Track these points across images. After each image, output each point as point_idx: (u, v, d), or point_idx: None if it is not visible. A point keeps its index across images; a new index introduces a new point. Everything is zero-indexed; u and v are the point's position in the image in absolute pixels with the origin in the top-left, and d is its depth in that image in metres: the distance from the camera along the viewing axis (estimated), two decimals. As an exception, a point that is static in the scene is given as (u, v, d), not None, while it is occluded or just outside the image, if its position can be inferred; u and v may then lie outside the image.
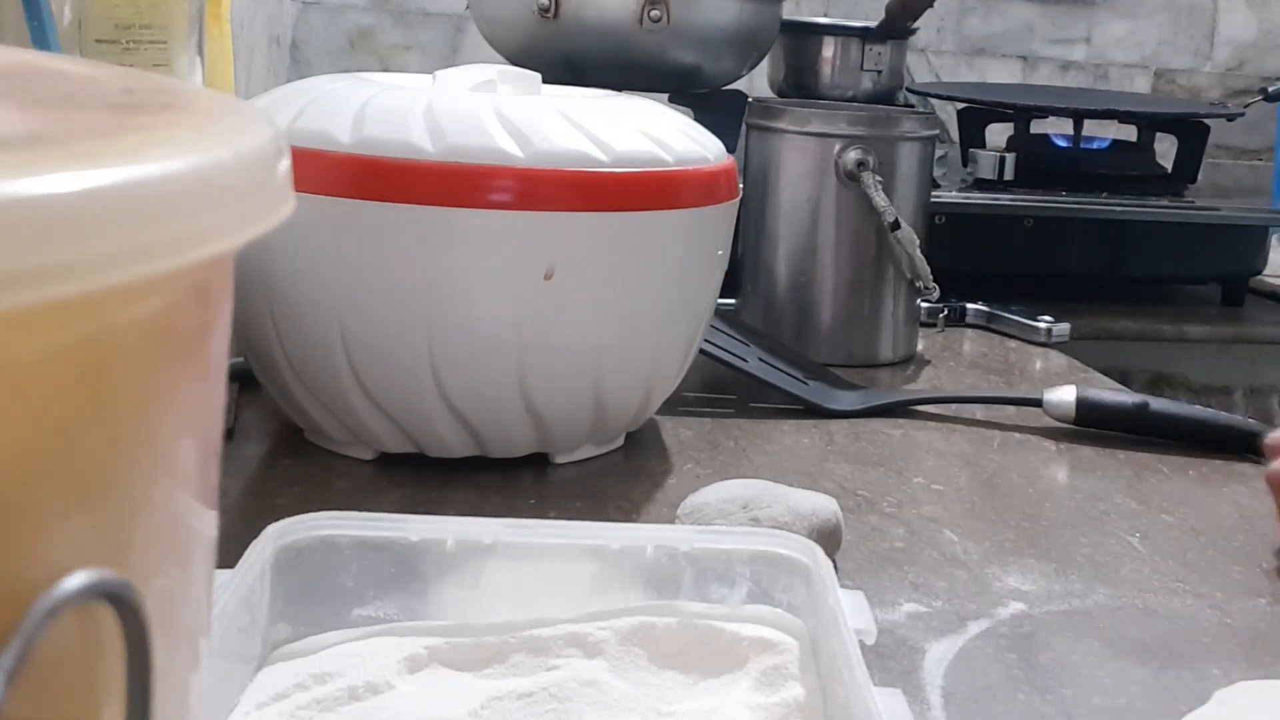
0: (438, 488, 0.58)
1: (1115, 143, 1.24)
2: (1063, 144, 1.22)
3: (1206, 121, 1.23)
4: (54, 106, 0.20)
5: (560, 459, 0.61)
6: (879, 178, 0.82)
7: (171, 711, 0.20)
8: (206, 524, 0.21)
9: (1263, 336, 1.11)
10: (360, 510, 0.44)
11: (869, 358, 0.85)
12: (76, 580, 0.16)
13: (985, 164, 1.12)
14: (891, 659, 0.45)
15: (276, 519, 0.42)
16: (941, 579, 0.52)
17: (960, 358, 0.90)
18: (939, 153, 1.08)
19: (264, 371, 0.61)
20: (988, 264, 1.07)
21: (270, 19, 1.29)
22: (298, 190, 0.21)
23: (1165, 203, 1.14)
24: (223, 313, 0.21)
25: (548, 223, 0.55)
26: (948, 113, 1.30)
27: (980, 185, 1.12)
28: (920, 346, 0.89)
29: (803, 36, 1.23)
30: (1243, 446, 0.69)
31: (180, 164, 0.17)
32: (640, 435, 0.66)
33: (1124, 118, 1.25)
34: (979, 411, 0.75)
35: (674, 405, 0.68)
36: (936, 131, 0.88)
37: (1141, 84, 1.68)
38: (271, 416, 0.65)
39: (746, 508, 0.51)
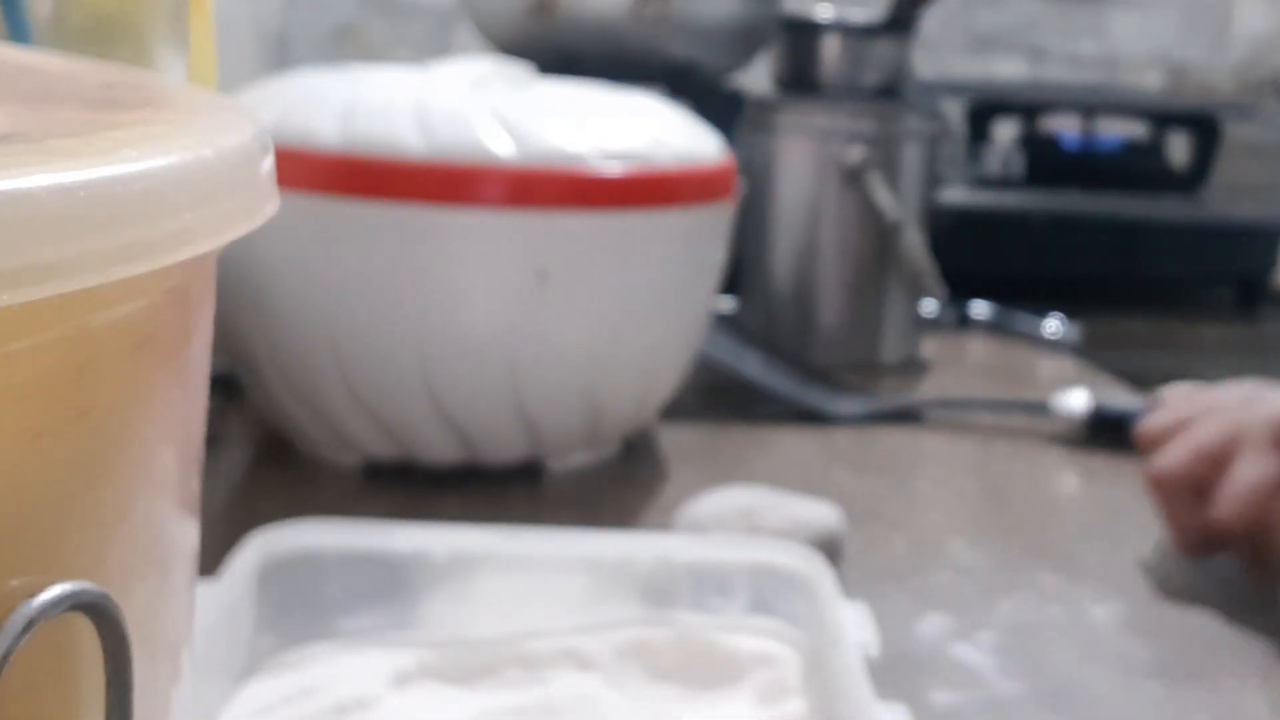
0: (427, 496, 0.57)
1: (1126, 140, 1.23)
2: (1072, 141, 1.21)
3: (1221, 118, 1.22)
4: (29, 103, 0.20)
5: (554, 466, 0.61)
6: (882, 176, 0.81)
7: (153, 726, 0.20)
8: (188, 533, 0.21)
9: (1279, 339, 1.10)
10: (347, 519, 0.44)
11: (872, 361, 0.84)
12: (53, 593, 0.16)
13: (992, 161, 1.11)
14: (895, 672, 0.44)
15: (260, 528, 0.42)
16: (947, 590, 0.51)
17: (966, 361, 0.89)
18: (944, 150, 1.06)
19: (248, 376, 0.60)
20: (994, 264, 1.06)
21: (255, 11, 1.28)
22: (282, 189, 0.21)
23: (1178, 202, 1.13)
24: (204, 315, 0.21)
25: (541, 222, 0.54)
26: (953, 109, 1.28)
27: (987, 183, 1.11)
28: (925, 350, 0.88)
29: (804, 30, 1.22)
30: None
31: (160, 162, 0.17)
32: (637, 442, 0.65)
33: (1135, 114, 1.24)
34: (986, 417, 0.74)
35: (672, 411, 0.67)
36: (941, 126, 0.87)
37: (1153, 79, 1.66)
38: (255, 422, 0.64)
39: (746, 516, 0.51)
